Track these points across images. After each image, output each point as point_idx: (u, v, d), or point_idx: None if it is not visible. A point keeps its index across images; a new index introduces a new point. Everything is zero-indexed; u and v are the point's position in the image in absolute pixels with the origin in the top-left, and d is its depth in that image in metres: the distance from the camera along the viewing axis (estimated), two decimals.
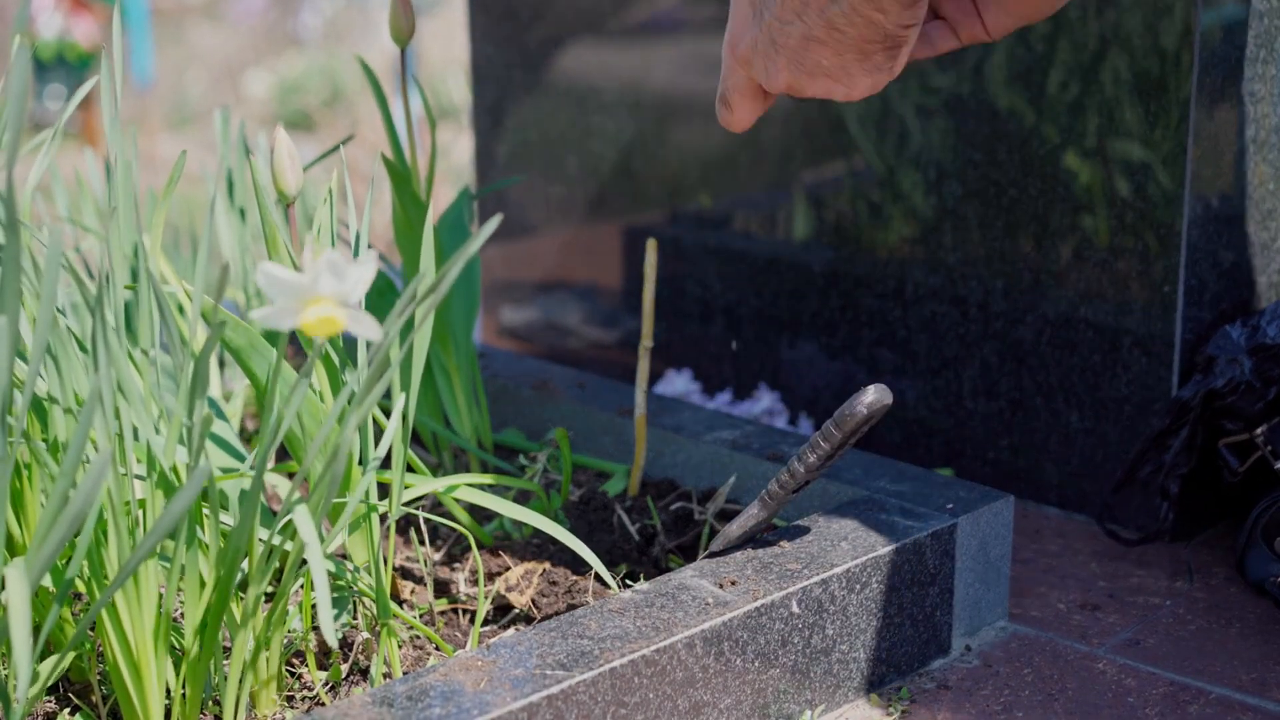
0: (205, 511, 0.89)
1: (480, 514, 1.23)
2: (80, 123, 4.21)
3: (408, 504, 1.18)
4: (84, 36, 4.37)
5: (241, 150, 1.38)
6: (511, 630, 1.07)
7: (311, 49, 5.16)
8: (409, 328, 0.95)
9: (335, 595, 1.03)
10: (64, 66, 4.37)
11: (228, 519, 0.96)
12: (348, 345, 1.17)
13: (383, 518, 1.14)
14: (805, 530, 1.06)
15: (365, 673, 1.00)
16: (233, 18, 5.93)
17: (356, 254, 0.98)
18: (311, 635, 0.99)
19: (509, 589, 1.09)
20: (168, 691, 0.91)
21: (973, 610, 1.11)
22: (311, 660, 0.97)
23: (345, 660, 1.01)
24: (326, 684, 0.99)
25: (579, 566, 1.12)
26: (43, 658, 0.92)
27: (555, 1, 1.71)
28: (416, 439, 1.38)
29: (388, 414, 1.13)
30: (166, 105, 4.56)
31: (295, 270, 0.84)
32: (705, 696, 0.94)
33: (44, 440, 0.88)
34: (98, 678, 0.95)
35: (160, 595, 0.86)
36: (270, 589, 1.04)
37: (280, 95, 4.41)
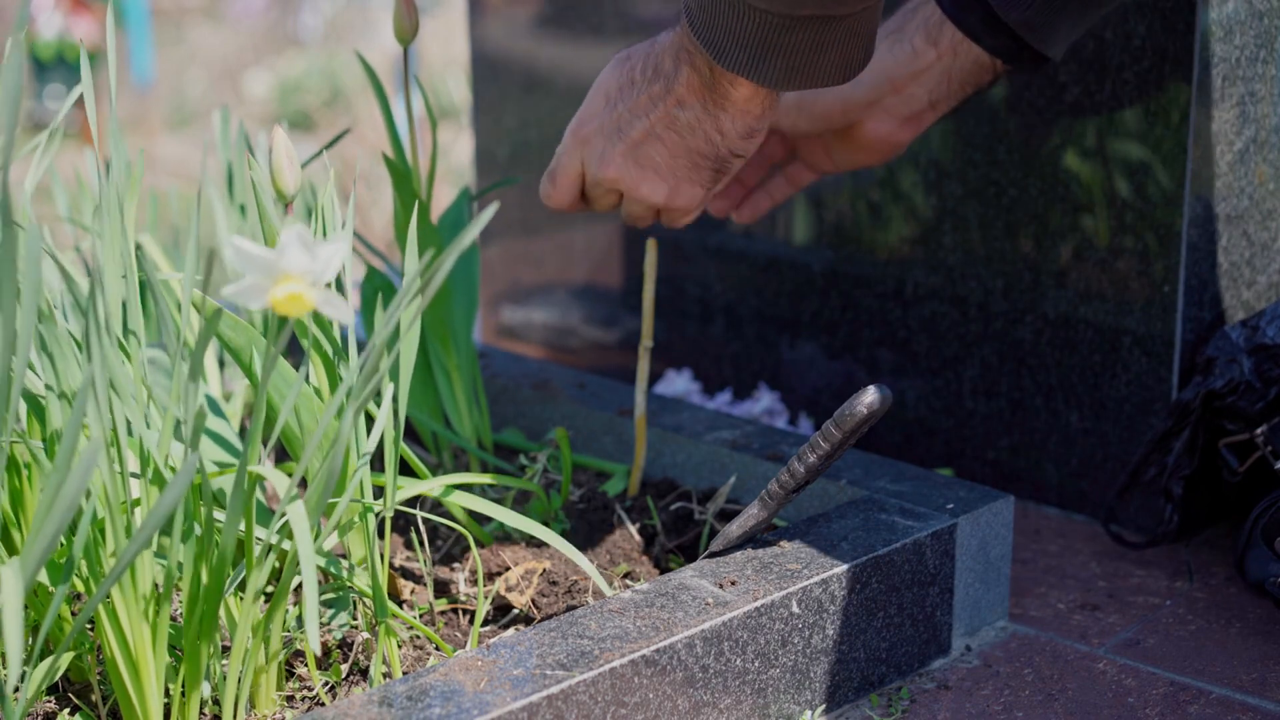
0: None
1: (481, 513, 1.23)
2: (80, 123, 4.21)
3: (407, 504, 1.18)
4: (84, 36, 4.37)
5: (241, 150, 1.38)
6: (511, 630, 1.07)
7: (311, 49, 5.16)
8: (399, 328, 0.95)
9: (334, 595, 1.03)
10: (64, 66, 4.37)
11: (224, 517, 0.95)
12: (346, 342, 1.17)
13: (381, 522, 1.14)
14: (805, 530, 1.06)
15: (365, 673, 1.00)
16: (233, 18, 5.93)
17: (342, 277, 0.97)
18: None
19: (509, 589, 1.09)
20: (166, 690, 0.91)
21: (973, 610, 1.11)
22: (311, 660, 0.97)
23: (345, 660, 1.01)
24: (326, 684, 0.99)
25: (579, 566, 1.12)
26: (42, 657, 0.92)
27: (555, 1, 1.71)
28: (417, 439, 1.38)
29: None
30: (166, 105, 4.56)
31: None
32: (705, 696, 0.94)
33: (43, 440, 0.88)
34: (97, 677, 0.95)
35: (158, 593, 0.86)
36: (270, 588, 1.04)
37: (280, 95, 4.42)
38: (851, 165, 1.18)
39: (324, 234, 0.98)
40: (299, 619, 0.98)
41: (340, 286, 0.95)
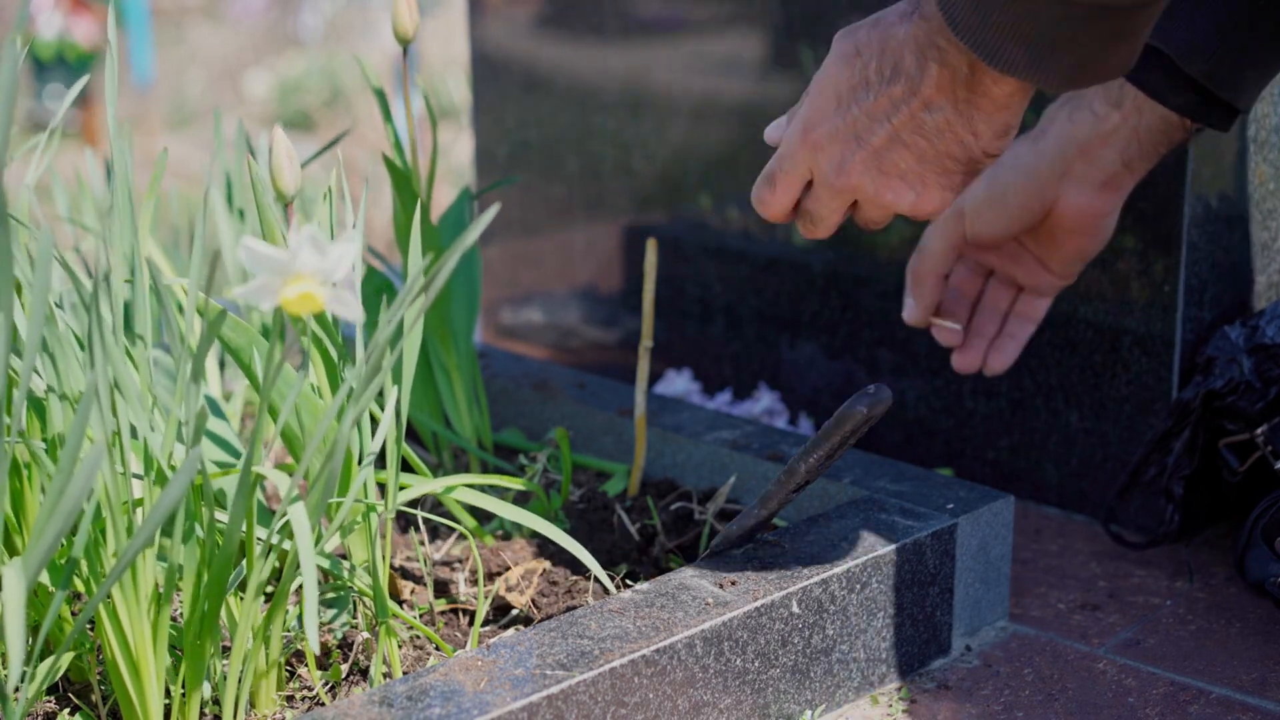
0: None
1: (480, 513, 1.23)
2: (80, 122, 4.21)
3: (407, 504, 1.18)
4: (84, 36, 4.37)
5: (241, 150, 1.38)
6: (511, 630, 1.07)
7: (311, 49, 5.16)
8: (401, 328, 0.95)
9: (334, 595, 1.03)
10: (64, 66, 4.37)
11: (225, 517, 0.95)
12: (346, 342, 1.17)
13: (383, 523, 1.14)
14: (805, 530, 1.06)
15: (365, 673, 1.00)
16: (233, 17, 5.93)
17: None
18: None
19: (509, 589, 1.09)
20: (167, 691, 0.91)
21: (973, 610, 1.11)
22: (311, 660, 0.97)
23: (345, 660, 1.01)
24: (326, 684, 0.99)
25: (579, 566, 1.12)
26: (43, 657, 0.92)
27: (555, 1, 1.71)
28: (417, 439, 1.38)
29: None
30: (166, 105, 4.56)
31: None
32: (705, 696, 0.94)
33: (43, 440, 0.88)
34: (97, 677, 0.95)
35: (158, 593, 0.86)
36: (270, 588, 1.04)
37: (280, 95, 4.41)
38: (1068, 260, 1.12)
39: (330, 234, 0.98)
40: (299, 619, 0.98)
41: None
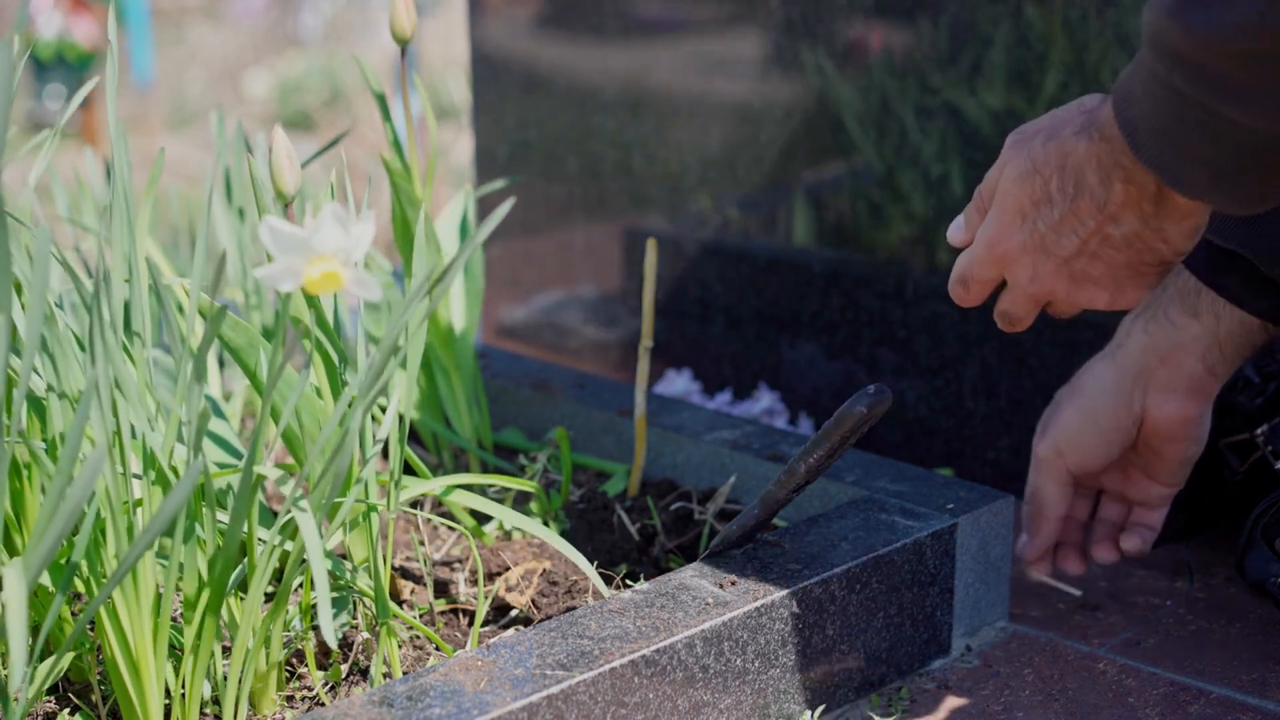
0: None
1: (481, 513, 1.23)
2: (80, 122, 4.21)
3: (408, 504, 1.18)
4: (84, 36, 4.37)
5: (240, 150, 1.38)
6: (511, 630, 1.07)
7: (311, 49, 5.16)
8: (407, 331, 0.95)
9: (335, 595, 1.03)
10: (63, 66, 4.37)
11: (226, 518, 0.95)
12: (347, 343, 1.17)
13: (384, 523, 1.14)
14: (805, 530, 1.06)
15: (365, 673, 1.00)
16: (232, 17, 5.93)
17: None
18: (311, 635, 0.99)
19: (509, 589, 1.09)
20: (167, 691, 0.91)
21: (973, 610, 1.11)
22: (311, 660, 0.97)
23: (345, 660, 1.01)
24: (326, 684, 0.99)
25: (579, 566, 1.12)
26: (43, 657, 0.92)
27: (555, 1, 1.71)
28: (417, 439, 1.38)
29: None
30: (166, 105, 4.56)
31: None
32: (705, 696, 0.94)
33: (43, 440, 0.88)
34: (97, 678, 0.95)
35: (159, 594, 0.86)
36: (270, 589, 1.04)
37: (280, 95, 4.42)
38: (1172, 469, 1.11)
39: None
40: (299, 619, 0.98)
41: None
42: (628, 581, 1.12)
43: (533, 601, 1.08)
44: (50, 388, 0.85)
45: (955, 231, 0.95)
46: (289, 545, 0.93)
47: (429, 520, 1.21)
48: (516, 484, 1.10)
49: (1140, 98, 0.78)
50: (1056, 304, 0.93)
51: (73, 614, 0.99)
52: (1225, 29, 0.69)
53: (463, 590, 1.11)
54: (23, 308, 0.88)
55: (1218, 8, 0.70)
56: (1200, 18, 0.70)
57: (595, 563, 1.11)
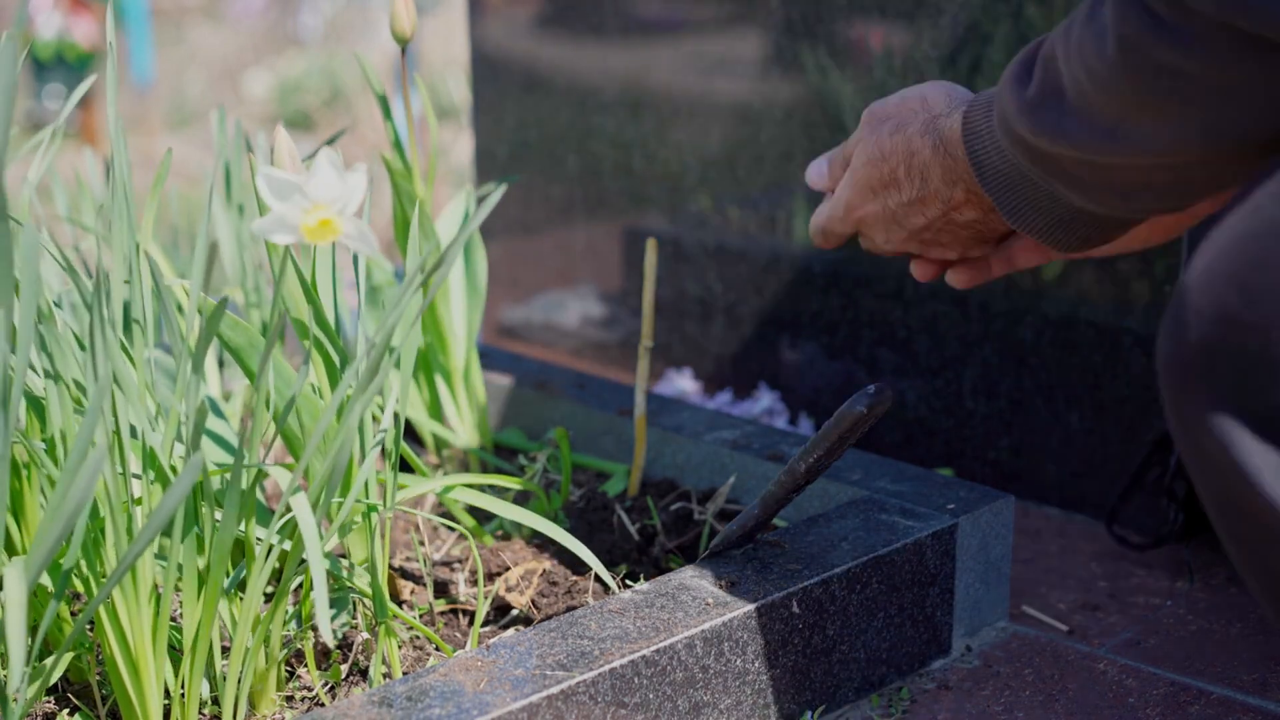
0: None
1: (480, 514, 1.23)
2: (80, 122, 4.21)
3: (407, 504, 1.18)
4: (83, 36, 4.37)
5: (240, 150, 1.38)
6: (511, 630, 1.07)
7: (311, 49, 5.16)
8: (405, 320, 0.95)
9: (334, 595, 1.03)
10: (63, 66, 4.37)
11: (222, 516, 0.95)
12: (347, 341, 1.17)
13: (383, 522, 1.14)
14: (805, 530, 1.06)
15: (365, 673, 0.99)
16: (232, 17, 5.93)
17: (355, 260, 0.97)
18: (311, 635, 0.99)
19: (509, 589, 1.09)
20: (166, 691, 0.91)
21: (973, 610, 1.11)
22: (311, 660, 0.97)
23: (345, 660, 1.01)
24: (326, 684, 0.99)
25: (579, 566, 1.12)
26: (42, 658, 0.92)
27: (555, 1, 1.71)
28: (417, 439, 1.38)
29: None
30: (166, 105, 4.56)
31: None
32: (705, 697, 0.93)
33: (43, 440, 0.88)
34: (97, 678, 0.95)
35: (158, 593, 0.86)
36: (270, 589, 1.04)
37: (280, 95, 4.42)
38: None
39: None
40: (299, 619, 0.98)
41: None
42: (628, 581, 1.12)
43: (533, 601, 1.08)
44: (48, 383, 0.85)
45: (816, 177, 1.03)
46: (287, 545, 0.93)
47: (429, 520, 1.21)
48: (516, 484, 1.10)
49: (989, 147, 0.86)
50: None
51: (72, 614, 0.99)
52: (1064, 135, 0.77)
53: (463, 590, 1.11)
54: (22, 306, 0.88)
55: (1059, 116, 0.78)
56: (1045, 119, 0.78)
57: None
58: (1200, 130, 0.72)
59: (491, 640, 0.93)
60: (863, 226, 0.99)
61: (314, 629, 0.99)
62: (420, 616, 1.08)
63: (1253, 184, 0.69)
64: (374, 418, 0.99)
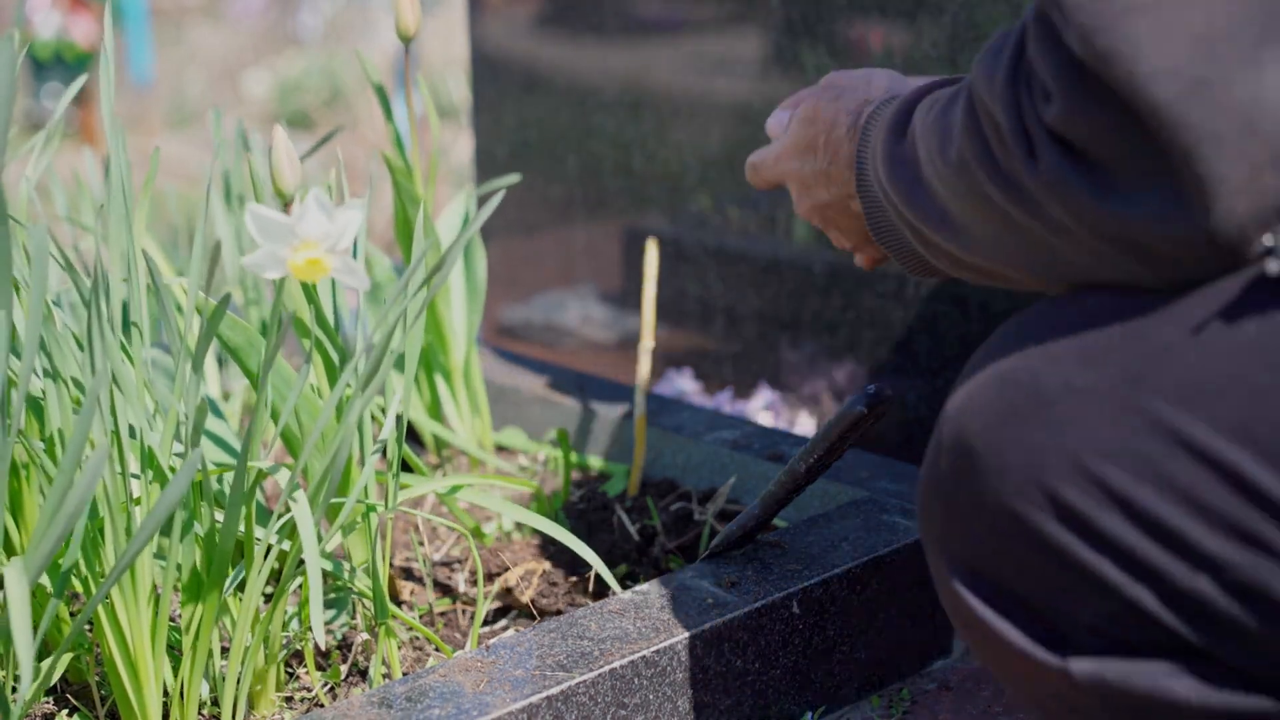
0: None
1: (480, 514, 1.23)
2: (79, 122, 4.21)
3: (407, 504, 1.18)
4: (82, 36, 4.37)
5: (240, 149, 1.38)
6: (511, 631, 1.06)
7: (311, 49, 5.16)
8: (404, 321, 0.95)
9: (334, 595, 1.03)
10: (62, 66, 4.37)
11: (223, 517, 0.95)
12: (346, 341, 1.17)
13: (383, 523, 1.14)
14: (806, 530, 1.06)
15: (364, 673, 0.99)
16: (232, 17, 5.93)
17: (355, 254, 0.97)
18: (310, 635, 0.98)
19: (509, 589, 1.08)
20: (165, 691, 0.91)
21: None
22: (310, 661, 0.97)
23: (344, 661, 1.01)
24: (325, 685, 0.98)
25: (579, 567, 1.12)
26: (41, 658, 0.92)
27: (555, 1, 1.71)
28: (417, 439, 1.38)
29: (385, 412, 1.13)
30: (166, 105, 4.56)
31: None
32: (706, 697, 0.93)
33: (42, 440, 0.88)
34: (96, 679, 0.95)
35: (157, 593, 0.86)
36: (270, 589, 1.04)
37: (280, 95, 4.42)
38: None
39: None
40: (298, 618, 0.98)
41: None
42: (627, 582, 1.12)
43: (533, 602, 1.08)
44: (47, 382, 0.85)
45: (775, 125, 1.03)
46: (286, 545, 0.93)
47: (429, 520, 1.20)
48: (517, 484, 1.10)
49: (870, 180, 0.87)
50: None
51: (71, 614, 0.99)
52: (912, 203, 0.78)
53: (463, 590, 1.11)
54: (21, 307, 0.87)
55: (911, 183, 0.78)
56: (901, 177, 0.79)
57: None
58: (1015, 257, 0.72)
59: (491, 641, 0.93)
60: (786, 181, 1.00)
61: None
62: (420, 617, 1.08)
63: (1029, 315, 0.70)
64: (376, 420, 0.99)
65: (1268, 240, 0.59)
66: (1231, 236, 0.60)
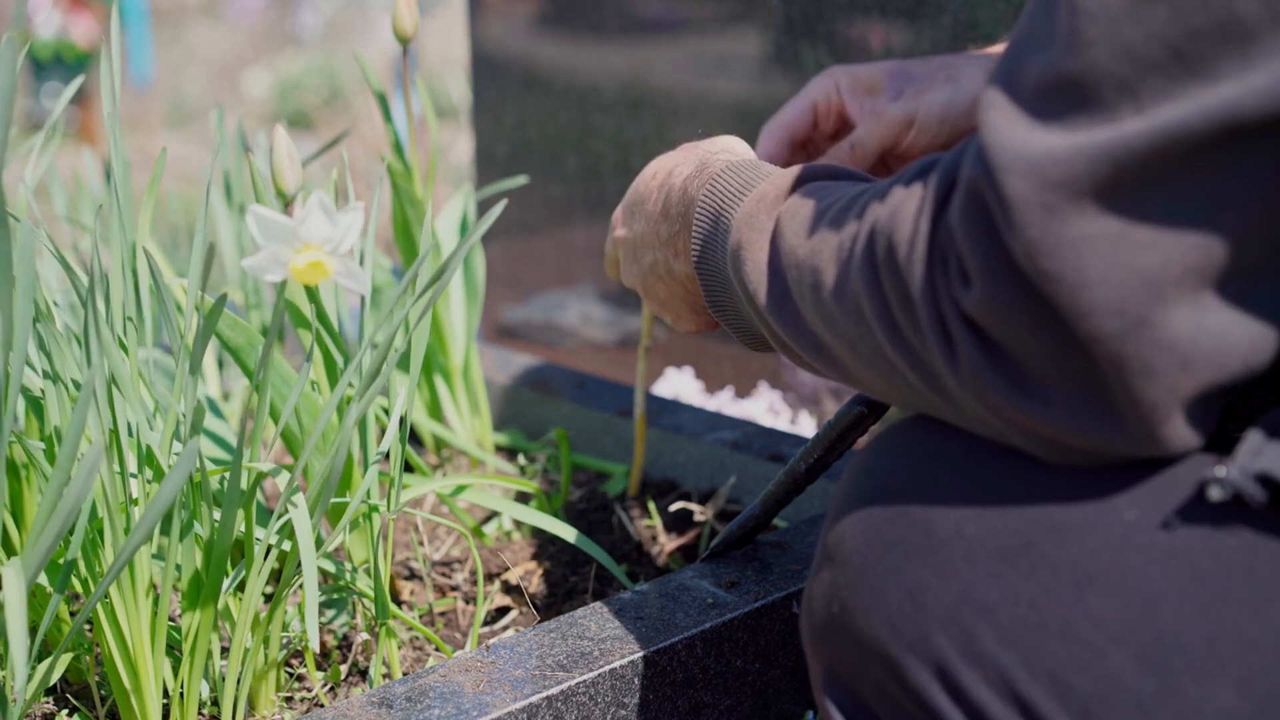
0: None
1: (480, 514, 1.23)
2: (79, 122, 4.21)
3: (407, 504, 1.18)
4: (82, 36, 4.37)
5: (240, 149, 1.38)
6: (511, 631, 1.06)
7: (310, 48, 5.16)
8: (406, 325, 0.95)
9: (334, 595, 1.03)
10: (62, 66, 4.37)
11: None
12: (348, 342, 1.17)
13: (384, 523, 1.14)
14: (805, 530, 1.06)
15: (364, 673, 0.99)
16: (231, 17, 5.93)
17: (362, 261, 0.97)
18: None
19: (509, 589, 1.08)
20: (165, 692, 0.91)
21: None
22: (310, 661, 0.97)
23: (344, 661, 1.01)
24: (325, 685, 0.98)
25: (579, 567, 1.12)
26: (41, 658, 0.92)
27: (555, 1, 1.71)
28: (416, 439, 1.38)
29: (387, 414, 1.13)
30: (165, 104, 4.56)
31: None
32: (705, 697, 0.93)
33: (41, 440, 0.88)
34: (96, 679, 0.95)
35: (156, 593, 0.86)
36: (270, 589, 1.04)
37: (279, 94, 4.42)
38: None
39: None
40: (298, 620, 0.98)
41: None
42: (627, 582, 1.12)
43: (532, 602, 1.08)
44: (46, 382, 0.85)
45: (616, 217, 1.00)
46: (286, 545, 0.93)
47: (429, 520, 1.20)
48: (517, 484, 1.10)
49: (714, 255, 0.82)
50: None
51: (70, 614, 0.99)
52: (788, 322, 0.73)
53: (463, 590, 1.11)
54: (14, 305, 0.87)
55: (780, 303, 0.73)
56: (769, 300, 0.74)
57: (595, 564, 1.11)
58: (904, 403, 0.69)
59: (491, 641, 0.93)
60: (620, 254, 0.97)
61: None
62: (420, 617, 1.08)
63: (895, 435, 0.68)
64: (379, 421, 0.99)
65: (1219, 471, 0.59)
66: (1153, 451, 0.60)
